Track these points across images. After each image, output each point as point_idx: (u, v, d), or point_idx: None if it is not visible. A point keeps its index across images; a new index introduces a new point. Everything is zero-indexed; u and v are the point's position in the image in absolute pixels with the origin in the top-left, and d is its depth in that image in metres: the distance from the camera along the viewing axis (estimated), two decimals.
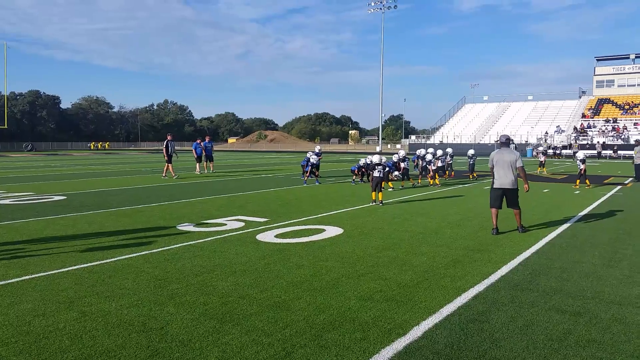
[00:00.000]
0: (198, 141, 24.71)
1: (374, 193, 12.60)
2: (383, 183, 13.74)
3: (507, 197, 8.85)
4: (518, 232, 8.78)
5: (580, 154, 17.81)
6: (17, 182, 19.56)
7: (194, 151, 24.32)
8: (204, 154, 24.39)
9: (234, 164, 34.95)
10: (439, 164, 18.89)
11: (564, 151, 51.94)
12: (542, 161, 26.12)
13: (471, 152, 22.04)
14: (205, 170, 24.42)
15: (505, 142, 9.14)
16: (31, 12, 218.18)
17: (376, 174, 12.47)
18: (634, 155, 20.31)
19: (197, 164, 24.15)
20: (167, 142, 21.76)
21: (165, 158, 21.66)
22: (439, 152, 19.89)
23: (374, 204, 12.52)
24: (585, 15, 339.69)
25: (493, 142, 58.85)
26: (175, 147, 22.29)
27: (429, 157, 18.58)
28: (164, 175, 21.79)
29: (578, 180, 17.79)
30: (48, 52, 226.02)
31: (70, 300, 5.10)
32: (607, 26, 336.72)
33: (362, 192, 15.48)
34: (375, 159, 12.79)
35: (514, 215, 8.96)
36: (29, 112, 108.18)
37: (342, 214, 10.99)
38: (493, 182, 8.96)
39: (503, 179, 8.80)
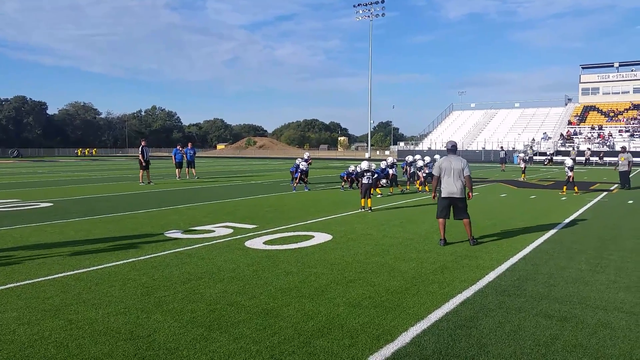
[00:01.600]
0: (178, 147, 25.24)
1: (362, 200, 12.63)
2: (372, 189, 13.93)
3: (456, 206, 8.34)
4: (470, 244, 8.26)
5: (569, 161, 18.01)
6: (2, 189, 19.33)
7: (173, 157, 24.81)
8: (185, 160, 24.68)
9: (223, 170, 34.83)
10: (427, 170, 18.94)
11: (555, 157, 51.87)
12: (522, 168, 26.42)
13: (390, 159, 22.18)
14: (187, 176, 24.58)
15: (452, 148, 8.60)
16: (17, 18, 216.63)
17: (365, 180, 12.50)
18: (619, 162, 20.51)
19: (177, 169, 24.48)
20: (142, 147, 21.60)
21: (143, 164, 21.44)
22: (427, 159, 19.94)
23: (363, 210, 12.54)
24: (570, 24, 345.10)
25: (480, 149, 59.35)
26: (150, 154, 22.15)
27: (419, 163, 18.73)
28: (140, 182, 21.56)
29: (565, 187, 17.89)
30: (34, 57, 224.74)
31: (56, 308, 5.04)
32: (591, 35, 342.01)
33: (351, 198, 15.50)
34: (364, 165, 12.80)
35: (464, 226, 8.41)
36: (14, 118, 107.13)
37: (331, 221, 10.99)
38: (440, 191, 8.42)
39: (451, 187, 8.26)
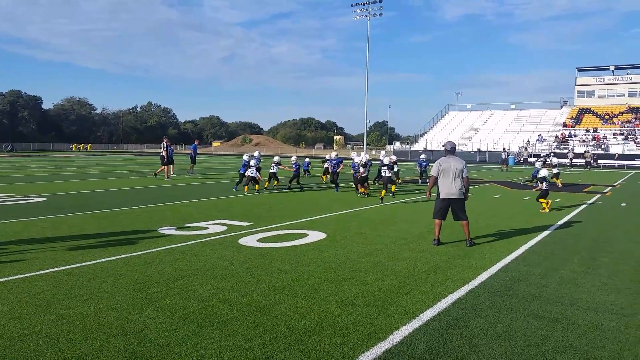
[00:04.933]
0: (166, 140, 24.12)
1: (383, 191, 14.76)
2: (361, 187, 15.71)
3: (454, 207, 8.26)
4: (466, 245, 8.21)
5: (544, 172, 13.84)
6: None
7: (191, 151, 25.54)
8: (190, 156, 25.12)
9: (218, 167, 34.77)
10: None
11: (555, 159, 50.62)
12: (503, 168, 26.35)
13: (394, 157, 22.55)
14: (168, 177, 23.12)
15: (451, 149, 8.47)
16: (12, 11, 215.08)
17: (383, 173, 15.11)
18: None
19: (165, 166, 23.33)
20: (164, 144, 22.01)
21: (166, 160, 21.98)
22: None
23: (381, 202, 14.20)
24: (567, 26, 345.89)
25: (476, 149, 59.45)
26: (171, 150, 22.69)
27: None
28: (166, 177, 22.15)
29: (542, 200, 13.54)
30: (30, 52, 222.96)
31: (48, 303, 5.02)
32: (588, 38, 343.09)
33: (346, 197, 15.50)
34: (385, 160, 15.55)
35: (462, 227, 8.35)
36: (9, 112, 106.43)
37: (325, 219, 10.99)
38: (438, 192, 8.37)
39: (450, 188, 8.18)
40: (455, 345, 4.18)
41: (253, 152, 18.45)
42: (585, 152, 49.25)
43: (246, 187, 16.65)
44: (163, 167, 22.33)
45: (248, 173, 16.12)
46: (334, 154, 19.95)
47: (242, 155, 21.12)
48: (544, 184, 13.50)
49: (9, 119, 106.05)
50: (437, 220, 8.37)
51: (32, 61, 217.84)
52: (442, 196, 8.31)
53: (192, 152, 25.71)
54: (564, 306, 5.28)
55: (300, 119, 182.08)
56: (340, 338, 4.28)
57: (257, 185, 16.39)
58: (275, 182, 18.37)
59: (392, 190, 16.10)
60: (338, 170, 18.01)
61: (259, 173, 16.52)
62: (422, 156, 22.29)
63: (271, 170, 17.60)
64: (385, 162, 16.13)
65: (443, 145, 8.92)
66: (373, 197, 15.52)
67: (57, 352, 3.90)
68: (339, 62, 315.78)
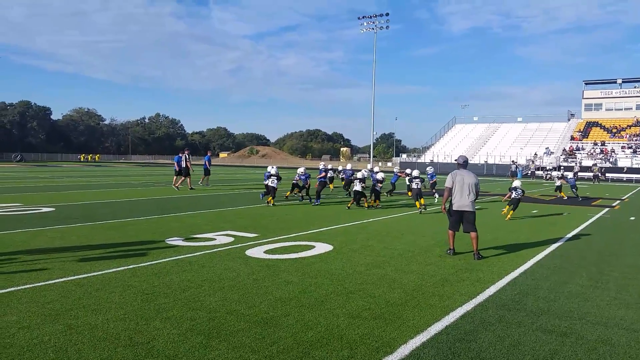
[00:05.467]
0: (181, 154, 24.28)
1: (417, 202, 15.34)
2: (370, 202, 15.97)
3: (465, 219, 8.44)
4: (474, 259, 8.24)
5: (517, 182, 14.81)
6: (4, 193, 19.38)
7: (206, 162, 25.76)
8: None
9: (225, 179, 34.87)
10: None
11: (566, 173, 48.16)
12: (559, 185, 24.85)
13: (430, 169, 22.40)
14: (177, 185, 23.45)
15: (463, 163, 8.80)
16: (22, 23, 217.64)
17: (414, 185, 15.75)
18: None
19: (176, 177, 23.48)
20: (187, 155, 22.89)
21: (185, 171, 22.58)
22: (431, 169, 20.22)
23: (420, 211, 15.06)
24: (573, 39, 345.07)
25: (483, 162, 59.32)
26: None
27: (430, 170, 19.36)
28: (190, 187, 22.73)
29: (509, 209, 14.30)
30: (38, 62, 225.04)
31: (56, 313, 5.05)
32: (594, 51, 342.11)
33: (354, 209, 15.49)
34: (415, 172, 16.53)
35: (471, 239, 8.41)
36: (19, 123, 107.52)
37: (332, 231, 10.99)
38: (452, 204, 8.54)
39: (463, 200, 8.40)
40: (463, 359, 4.16)
41: (271, 165, 19.19)
42: (592, 165, 48.75)
43: (271, 198, 16.40)
44: (184, 177, 22.78)
45: (269, 183, 16.41)
46: (348, 166, 21.40)
47: (249, 166, 21.52)
48: (513, 192, 14.43)
49: (18, 130, 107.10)
50: (450, 232, 8.63)
51: (41, 72, 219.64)
52: (454, 208, 8.50)
53: (206, 164, 25.84)
54: (573, 320, 5.25)
55: (306, 130, 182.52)
56: (347, 351, 4.27)
57: (271, 198, 16.31)
58: (297, 191, 18.46)
59: (365, 205, 15.86)
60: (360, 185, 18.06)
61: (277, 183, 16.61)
62: (430, 169, 22.21)
63: (293, 181, 18.31)
64: (358, 176, 16.69)
65: (456, 160, 9.11)
66: (380, 209, 15.51)
67: None
68: (345, 74, 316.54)
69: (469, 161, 55.58)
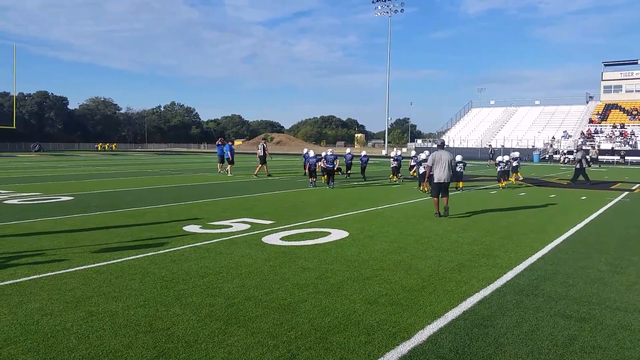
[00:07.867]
0: (220, 142, 27.24)
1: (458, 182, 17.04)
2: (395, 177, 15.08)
3: (443, 188, 10.96)
4: (443, 213, 10.96)
5: (504, 157, 19.51)
6: (24, 183, 19.71)
7: (228, 152, 26.12)
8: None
9: (241, 166, 35.02)
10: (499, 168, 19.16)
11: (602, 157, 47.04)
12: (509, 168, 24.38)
13: (459, 157, 21.92)
14: (221, 171, 26.36)
15: (441, 144, 11.55)
16: (38, 14, 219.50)
17: (458, 169, 16.51)
18: (575, 159, 20.89)
19: (220, 164, 26.81)
20: (262, 144, 24.99)
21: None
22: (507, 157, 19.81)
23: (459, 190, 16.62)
24: (592, 20, 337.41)
25: (499, 146, 58.74)
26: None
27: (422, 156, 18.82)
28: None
29: (504, 182, 19.18)
30: (55, 53, 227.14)
31: (78, 300, 5.15)
32: (614, 31, 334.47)
33: (369, 195, 15.48)
34: (458, 157, 17.03)
35: (445, 202, 11.00)
36: (37, 113, 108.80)
37: (348, 217, 11.01)
38: (433, 177, 11.01)
39: (442, 174, 10.87)
40: (480, 345, 4.16)
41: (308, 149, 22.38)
42: (591, 148, 47.61)
43: (324, 177, 18.93)
44: (261, 165, 24.35)
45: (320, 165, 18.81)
46: (363, 152, 23.45)
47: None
48: (500, 166, 18.95)
49: (36, 120, 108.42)
50: (435, 199, 10.99)
51: (57, 62, 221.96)
52: (435, 180, 10.97)
53: (227, 153, 25.99)
54: (592, 306, 5.21)
55: (321, 117, 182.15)
56: (364, 336, 4.29)
57: (324, 177, 18.72)
58: (324, 177, 19.09)
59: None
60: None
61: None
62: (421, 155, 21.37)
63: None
64: (422, 157, 17.92)
65: (434, 141, 11.84)
66: (396, 196, 15.46)
67: (88, 348, 3.99)
68: (359, 59, 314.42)
69: (487, 145, 54.91)
